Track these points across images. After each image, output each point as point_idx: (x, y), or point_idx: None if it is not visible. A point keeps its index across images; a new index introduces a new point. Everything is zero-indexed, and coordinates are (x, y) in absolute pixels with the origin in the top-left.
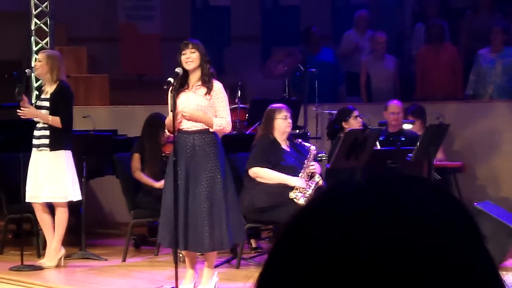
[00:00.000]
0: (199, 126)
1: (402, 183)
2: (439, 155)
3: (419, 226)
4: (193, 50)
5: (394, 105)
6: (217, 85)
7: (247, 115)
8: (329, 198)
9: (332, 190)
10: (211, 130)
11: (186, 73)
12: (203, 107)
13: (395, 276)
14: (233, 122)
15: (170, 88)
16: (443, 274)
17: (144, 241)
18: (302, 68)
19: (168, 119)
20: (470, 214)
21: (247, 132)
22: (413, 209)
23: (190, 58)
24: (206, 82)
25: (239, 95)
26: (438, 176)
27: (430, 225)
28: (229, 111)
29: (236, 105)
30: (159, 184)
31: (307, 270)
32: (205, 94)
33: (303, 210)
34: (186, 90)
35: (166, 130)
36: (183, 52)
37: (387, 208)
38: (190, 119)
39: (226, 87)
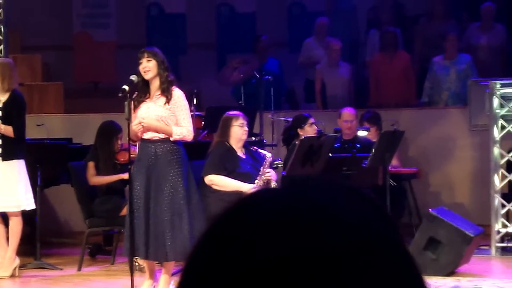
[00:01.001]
0: (161, 135)
1: (320, 187)
2: (394, 161)
3: (335, 228)
4: (149, 59)
5: (348, 113)
6: (177, 93)
7: (202, 122)
8: (245, 203)
9: (250, 196)
10: (171, 139)
11: (147, 82)
12: (163, 117)
13: (309, 276)
14: None
15: (128, 97)
16: (359, 273)
17: (99, 250)
18: (257, 75)
19: (131, 128)
20: (388, 216)
21: (201, 139)
22: (329, 211)
23: (147, 67)
24: (165, 91)
25: (194, 103)
26: (393, 183)
27: (347, 226)
28: (190, 119)
29: (192, 113)
30: (125, 175)
31: (223, 273)
32: (165, 103)
33: (220, 215)
34: (147, 100)
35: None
36: (140, 61)
37: (302, 211)
38: (148, 128)
39: None
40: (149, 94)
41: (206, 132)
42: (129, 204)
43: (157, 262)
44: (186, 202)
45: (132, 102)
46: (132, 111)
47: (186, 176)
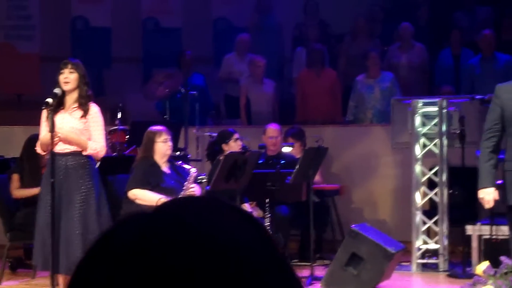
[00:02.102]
0: (72, 148)
1: (198, 208)
2: (318, 178)
3: (208, 247)
4: (72, 71)
5: (272, 129)
6: (94, 109)
7: (127, 136)
8: (119, 223)
9: (125, 217)
10: (84, 153)
11: (63, 93)
12: (77, 130)
13: None
14: (113, 143)
15: (47, 109)
16: None
17: (20, 264)
18: (182, 90)
19: (45, 138)
20: (268, 235)
21: (126, 153)
22: (202, 231)
23: (68, 78)
24: (83, 105)
25: (119, 117)
26: (317, 199)
27: (222, 246)
28: (104, 136)
29: (116, 127)
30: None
31: None
32: (81, 117)
33: (100, 234)
34: (62, 111)
35: (38, 148)
36: (62, 71)
37: (172, 231)
38: (64, 140)
39: (106, 109)
40: (64, 106)
41: (133, 147)
42: (38, 217)
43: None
44: (97, 216)
45: (46, 111)
46: (45, 120)
47: (97, 190)
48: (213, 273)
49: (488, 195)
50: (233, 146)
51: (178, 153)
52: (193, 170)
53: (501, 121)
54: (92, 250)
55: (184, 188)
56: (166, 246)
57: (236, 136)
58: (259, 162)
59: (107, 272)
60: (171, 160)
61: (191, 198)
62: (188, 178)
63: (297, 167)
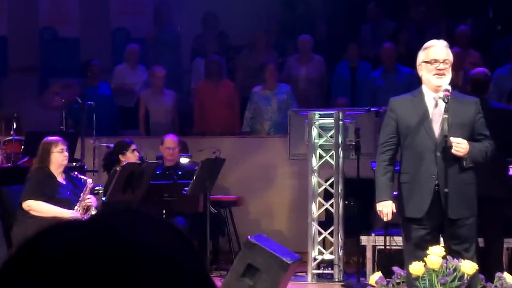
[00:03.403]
0: None
1: (126, 219)
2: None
3: (138, 258)
4: None
5: (170, 140)
6: None
7: (22, 147)
8: (41, 236)
9: (48, 228)
10: None
11: None
12: None
13: None
14: (8, 154)
15: None
16: None
17: None
18: (80, 100)
19: None
20: (193, 247)
21: (21, 164)
22: (131, 242)
23: None
24: None
25: (14, 127)
26: (214, 210)
27: (150, 257)
28: None
29: (11, 137)
30: None
31: None
32: None
33: (18, 246)
34: None
35: None
36: None
37: (102, 242)
38: None
39: (1, 119)
40: None
41: (27, 157)
42: None
43: None
44: None
45: None
46: None
47: None
48: (142, 283)
49: (386, 208)
50: (130, 156)
51: (74, 163)
52: (89, 181)
53: (396, 134)
54: (16, 258)
55: (80, 199)
56: (96, 255)
57: (133, 146)
58: (157, 173)
59: (33, 281)
60: (67, 170)
61: (124, 209)
62: (84, 189)
63: (194, 178)
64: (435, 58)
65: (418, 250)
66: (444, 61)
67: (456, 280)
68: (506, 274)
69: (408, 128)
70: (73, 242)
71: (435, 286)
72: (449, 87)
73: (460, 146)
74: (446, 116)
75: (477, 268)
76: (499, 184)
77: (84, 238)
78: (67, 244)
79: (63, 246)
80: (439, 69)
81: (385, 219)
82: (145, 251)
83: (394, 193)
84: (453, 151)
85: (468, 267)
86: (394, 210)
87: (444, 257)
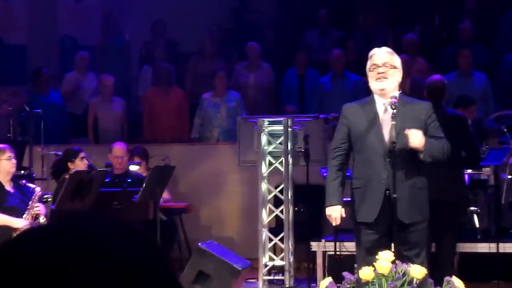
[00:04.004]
0: None
1: (91, 223)
2: (166, 196)
3: (109, 263)
4: None
5: (119, 148)
6: None
7: None
8: (14, 242)
9: (19, 235)
10: None
11: None
12: None
13: None
14: None
15: None
16: None
17: None
18: (27, 108)
19: None
20: (159, 251)
21: None
22: (103, 247)
23: None
24: None
25: None
26: (164, 217)
27: (121, 262)
28: None
29: None
30: None
31: None
32: None
33: None
34: None
35: None
36: None
37: (74, 247)
38: None
39: None
40: None
41: None
42: None
43: None
44: None
45: None
46: None
47: None
48: (112, 285)
49: (334, 213)
50: (79, 164)
51: (22, 172)
52: (37, 189)
53: (347, 140)
54: None
55: (28, 207)
56: (68, 258)
57: (82, 154)
58: (106, 180)
59: (9, 281)
60: (15, 179)
61: (94, 215)
62: (32, 197)
63: (143, 185)
64: (374, 63)
65: (369, 255)
66: (383, 65)
67: (406, 285)
68: (454, 278)
69: (358, 134)
70: (44, 245)
71: None
72: (397, 94)
73: (414, 136)
74: (394, 122)
75: (426, 272)
76: (455, 189)
77: (50, 243)
78: (39, 247)
79: (35, 249)
80: (378, 73)
81: (333, 224)
82: (114, 254)
83: (346, 199)
84: (410, 143)
85: (417, 271)
86: (344, 215)
87: (393, 262)
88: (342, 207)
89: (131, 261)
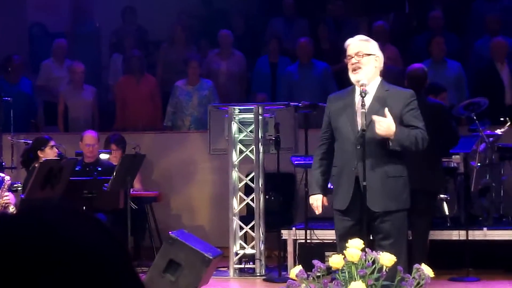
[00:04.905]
0: None
1: (55, 213)
2: (136, 184)
3: (73, 253)
4: None
5: (89, 136)
6: None
7: None
8: None
9: None
10: None
11: None
12: None
13: None
14: None
15: None
16: None
17: None
18: None
19: None
20: (120, 242)
21: None
22: (66, 237)
23: None
24: None
25: None
26: (135, 206)
27: (84, 251)
28: None
29: None
30: None
31: None
32: None
33: None
34: None
35: None
36: None
37: (39, 236)
38: None
39: None
40: None
41: None
42: None
43: None
44: None
45: None
46: None
47: None
48: (73, 274)
49: (316, 201)
50: (49, 153)
51: None
52: (7, 178)
53: (330, 129)
54: None
55: None
56: (28, 246)
57: (52, 143)
58: (76, 169)
59: None
60: None
61: (53, 203)
62: (1, 186)
63: (114, 174)
64: (348, 54)
65: (343, 242)
66: (356, 54)
67: (375, 272)
68: (423, 266)
69: (336, 123)
70: (5, 235)
71: (355, 279)
72: (366, 81)
73: (380, 124)
74: (364, 110)
75: (396, 260)
76: (433, 177)
77: (15, 232)
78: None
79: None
80: (352, 64)
81: (316, 212)
82: (74, 244)
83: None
84: (376, 130)
85: (387, 259)
86: (326, 203)
87: (363, 250)
88: (325, 196)
89: (90, 250)
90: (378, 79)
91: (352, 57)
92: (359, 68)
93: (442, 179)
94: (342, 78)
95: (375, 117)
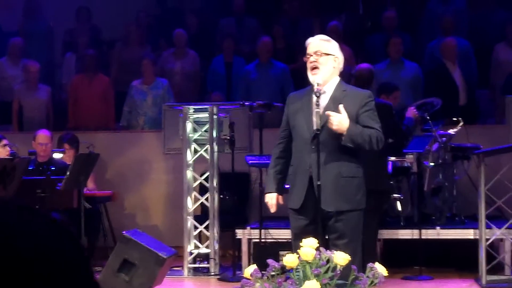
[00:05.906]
0: None
1: (13, 212)
2: (90, 184)
3: (30, 251)
4: None
5: (43, 135)
6: None
7: None
8: None
9: None
10: None
11: None
12: None
13: None
14: None
15: None
16: None
17: None
18: None
19: None
20: (77, 241)
21: None
22: (22, 235)
23: None
24: None
25: None
26: (89, 205)
27: (41, 250)
28: None
29: None
30: None
31: None
32: None
33: None
34: None
35: None
36: None
37: None
38: None
39: None
40: None
41: None
42: None
43: None
44: None
45: None
46: None
47: None
48: (27, 275)
49: (270, 200)
50: (1, 152)
51: None
52: None
53: (288, 128)
54: None
55: None
56: None
57: (4, 141)
58: (29, 168)
59: None
60: None
61: (7, 202)
62: None
63: (67, 173)
64: (308, 52)
65: (298, 241)
66: (315, 53)
67: (330, 271)
68: (377, 265)
69: (294, 122)
70: None
71: (309, 278)
72: (321, 81)
73: (332, 118)
74: (318, 110)
75: (350, 259)
76: (379, 177)
77: None
78: None
79: None
80: (310, 62)
81: (271, 211)
82: (32, 243)
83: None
84: (329, 124)
85: (341, 258)
86: (281, 202)
87: (317, 249)
88: (280, 195)
89: (47, 248)
90: (336, 79)
91: (311, 56)
92: (316, 68)
93: (389, 178)
94: (298, 77)
95: (328, 112)
